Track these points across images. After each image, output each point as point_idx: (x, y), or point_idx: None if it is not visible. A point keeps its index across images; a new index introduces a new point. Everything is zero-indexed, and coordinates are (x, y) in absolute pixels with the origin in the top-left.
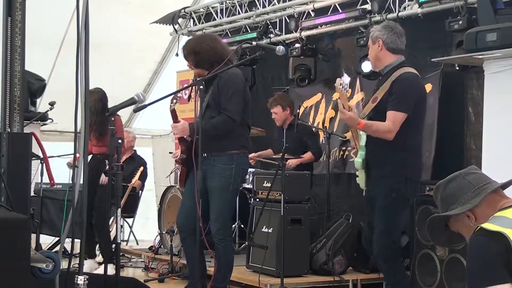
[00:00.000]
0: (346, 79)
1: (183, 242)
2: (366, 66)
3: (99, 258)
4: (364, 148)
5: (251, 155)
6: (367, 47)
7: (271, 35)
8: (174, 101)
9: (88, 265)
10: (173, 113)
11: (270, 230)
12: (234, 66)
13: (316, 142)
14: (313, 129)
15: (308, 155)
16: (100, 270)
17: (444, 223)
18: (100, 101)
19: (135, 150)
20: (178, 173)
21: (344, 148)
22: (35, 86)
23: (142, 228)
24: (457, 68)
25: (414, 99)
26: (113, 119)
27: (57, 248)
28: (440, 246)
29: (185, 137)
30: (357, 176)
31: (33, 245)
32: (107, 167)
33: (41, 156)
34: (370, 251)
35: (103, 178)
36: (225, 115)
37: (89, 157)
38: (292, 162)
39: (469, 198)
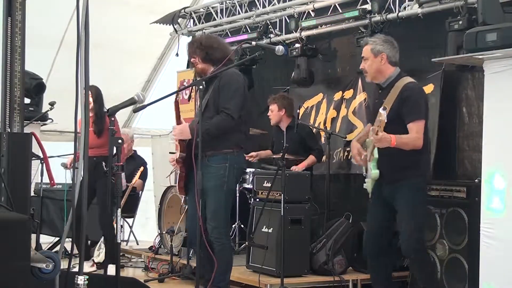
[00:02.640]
0: (383, 111)
1: (194, 247)
2: None
3: (100, 257)
4: (377, 160)
5: (250, 154)
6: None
7: (271, 35)
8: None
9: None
10: (176, 104)
11: (270, 230)
12: (234, 66)
13: (316, 142)
14: (313, 130)
15: (310, 159)
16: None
17: None
18: (98, 94)
19: (135, 150)
20: (179, 173)
21: (348, 148)
22: (27, 85)
23: (142, 228)
24: (456, 68)
25: (425, 105)
26: (113, 119)
27: (57, 248)
28: None
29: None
30: (365, 183)
31: (33, 245)
32: (104, 169)
33: (41, 156)
34: (372, 254)
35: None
36: (224, 113)
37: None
38: (297, 168)
39: None
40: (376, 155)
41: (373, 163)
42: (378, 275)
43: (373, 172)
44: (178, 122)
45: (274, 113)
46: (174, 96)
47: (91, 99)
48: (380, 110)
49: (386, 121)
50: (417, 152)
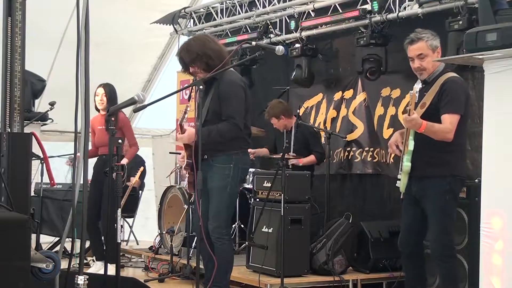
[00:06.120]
0: (418, 84)
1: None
2: None
3: None
4: (411, 152)
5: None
6: (368, 48)
7: (271, 35)
8: (186, 116)
9: (98, 267)
10: (181, 126)
11: (270, 230)
12: (234, 67)
13: (319, 144)
14: (315, 129)
15: (310, 158)
16: (112, 271)
17: None
18: (111, 92)
19: None
20: (179, 173)
21: (348, 148)
22: (37, 87)
23: (142, 228)
24: (457, 67)
25: (464, 101)
26: (113, 119)
27: (57, 248)
28: None
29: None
30: (399, 180)
31: (33, 245)
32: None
33: (41, 156)
34: (404, 252)
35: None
36: (231, 122)
37: (95, 158)
38: (294, 161)
39: None
40: (410, 147)
41: (407, 155)
42: (409, 274)
43: (405, 164)
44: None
45: (277, 124)
46: (182, 115)
47: (104, 98)
48: (415, 84)
49: (417, 96)
50: (450, 150)
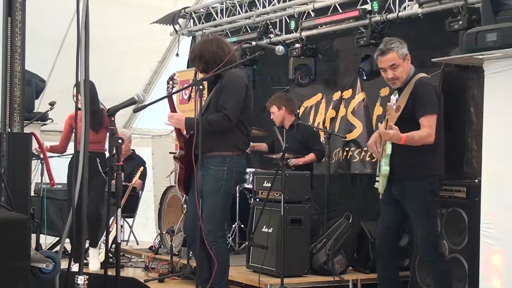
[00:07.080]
0: (394, 96)
1: (191, 247)
2: None
3: (100, 257)
4: (389, 156)
5: None
6: (368, 48)
7: (271, 35)
8: (171, 82)
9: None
10: (170, 98)
11: (270, 230)
12: (235, 66)
13: (319, 143)
14: (314, 129)
15: (310, 156)
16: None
17: None
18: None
19: (133, 150)
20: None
21: (347, 148)
22: (39, 87)
23: (142, 228)
24: (458, 67)
25: (437, 99)
26: (113, 119)
27: (57, 248)
28: None
29: (184, 133)
30: (377, 181)
31: (33, 245)
32: (99, 166)
33: (41, 156)
34: (380, 252)
35: None
36: (222, 113)
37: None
38: (294, 161)
39: None
40: (388, 151)
41: (384, 159)
42: (383, 274)
43: (383, 168)
44: (173, 111)
45: (276, 114)
46: (167, 84)
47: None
48: (392, 96)
49: (394, 107)
50: (428, 151)
